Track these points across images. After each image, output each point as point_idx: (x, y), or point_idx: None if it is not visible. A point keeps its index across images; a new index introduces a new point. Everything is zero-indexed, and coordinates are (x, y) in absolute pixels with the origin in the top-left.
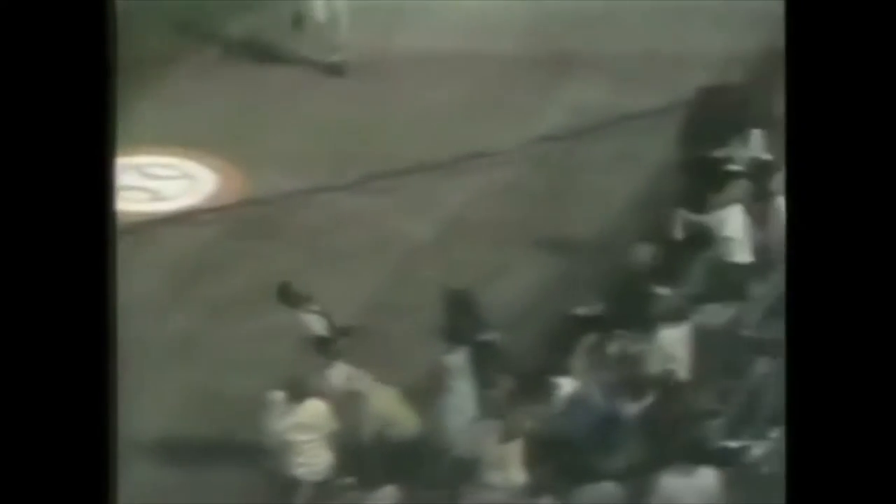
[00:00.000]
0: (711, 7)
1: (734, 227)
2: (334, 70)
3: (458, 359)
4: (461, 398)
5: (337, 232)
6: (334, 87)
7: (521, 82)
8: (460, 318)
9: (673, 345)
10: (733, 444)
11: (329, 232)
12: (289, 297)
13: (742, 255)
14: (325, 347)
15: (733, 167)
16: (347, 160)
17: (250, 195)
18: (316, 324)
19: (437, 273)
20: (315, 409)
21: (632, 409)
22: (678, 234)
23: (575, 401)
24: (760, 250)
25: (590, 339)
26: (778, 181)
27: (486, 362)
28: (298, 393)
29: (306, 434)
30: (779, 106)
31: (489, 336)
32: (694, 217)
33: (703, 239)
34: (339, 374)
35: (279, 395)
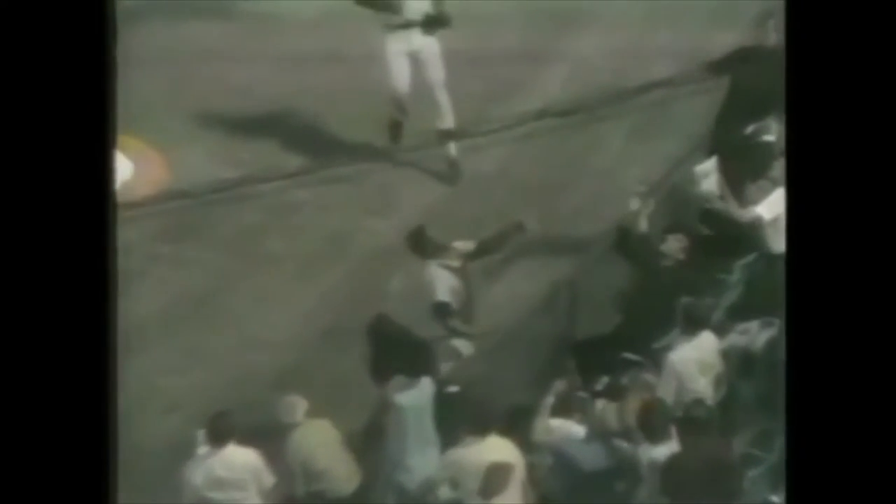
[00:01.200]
0: None
1: (779, 215)
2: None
3: (414, 397)
4: (416, 448)
5: (280, 232)
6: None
7: (508, 42)
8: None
9: (699, 372)
10: (777, 499)
11: (270, 232)
12: (422, 243)
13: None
14: (446, 317)
15: (771, 138)
16: (293, 142)
17: (172, 186)
18: (445, 282)
19: (405, 283)
20: (240, 460)
21: (650, 453)
22: (710, 230)
23: (575, 447)
24: None
25: (560, 385)
26: None
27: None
28: (220, 435)
29: (227, 492)
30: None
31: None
32: (729, 208)
33: (742, 236)
34: (459, 349)
35: (200, 437)
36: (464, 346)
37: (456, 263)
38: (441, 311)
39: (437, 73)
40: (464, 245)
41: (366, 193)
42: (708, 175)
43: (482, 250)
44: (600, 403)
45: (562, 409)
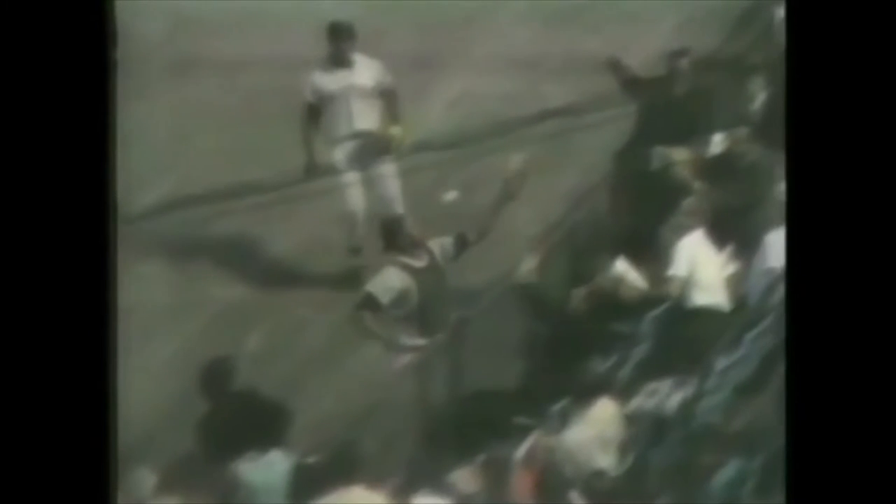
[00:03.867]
0: None
1: (693, 266)
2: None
3: (265, 474)
4: None
5: (123, 283)
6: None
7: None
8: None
9: (599, 449)
10: None
11: None
12: (397, 236)
13: (708, 298)
14: (371, 310)
15: (681, 174)
16: (140, 180)
17: None
18: (390, 279)
19: (265, 344)
20: None
21: None
22: (614, 286)
23: None
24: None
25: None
26: None
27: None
28: None
29: None
30: (753, 103)
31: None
32: (653, 292)
33: (652, 293)
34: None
35: None
36: (409, 358)
37: (418, 264)
38: (366, 304)
39: (394, 189)
40: (441, 243)
41: (215, 241)
42: (621, 279)
43: (462, 242)
44: (479, 477)
45: (430, 485)
